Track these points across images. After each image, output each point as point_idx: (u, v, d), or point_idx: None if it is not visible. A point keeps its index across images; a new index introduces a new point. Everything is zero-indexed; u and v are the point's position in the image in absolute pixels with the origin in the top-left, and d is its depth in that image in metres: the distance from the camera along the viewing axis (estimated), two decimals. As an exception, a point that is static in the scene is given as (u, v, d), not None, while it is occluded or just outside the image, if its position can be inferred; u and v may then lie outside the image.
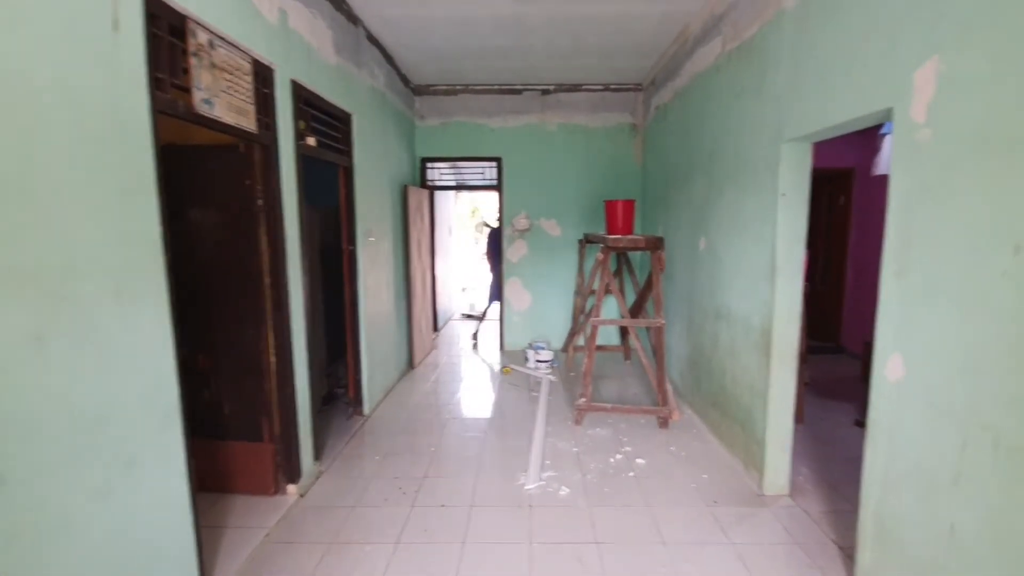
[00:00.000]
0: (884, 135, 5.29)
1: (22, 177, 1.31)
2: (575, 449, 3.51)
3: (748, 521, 2.66)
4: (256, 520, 2.65)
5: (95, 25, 1.54)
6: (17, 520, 1.30)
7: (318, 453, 3.21)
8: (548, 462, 3.32)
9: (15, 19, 1.30)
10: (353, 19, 3.85)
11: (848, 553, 2.36)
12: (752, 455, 3.00)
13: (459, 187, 6.52)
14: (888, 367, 1.88)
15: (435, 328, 6.92)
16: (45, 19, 1.38)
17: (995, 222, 1.45)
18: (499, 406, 4.41)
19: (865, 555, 2.03)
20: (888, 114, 1.91)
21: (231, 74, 2.30)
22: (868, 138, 5.51)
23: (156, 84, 1.81)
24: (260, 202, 2.67)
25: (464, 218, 11.87)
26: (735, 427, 3.24)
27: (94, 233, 1.54)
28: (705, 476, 3.13)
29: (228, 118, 2.26)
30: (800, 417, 3.74)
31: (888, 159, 3.57)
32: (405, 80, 5.51)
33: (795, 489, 2.93)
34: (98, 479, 1.55)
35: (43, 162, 1.37)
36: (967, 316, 1.54)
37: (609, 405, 3.99)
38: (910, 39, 1.77)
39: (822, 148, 4.86)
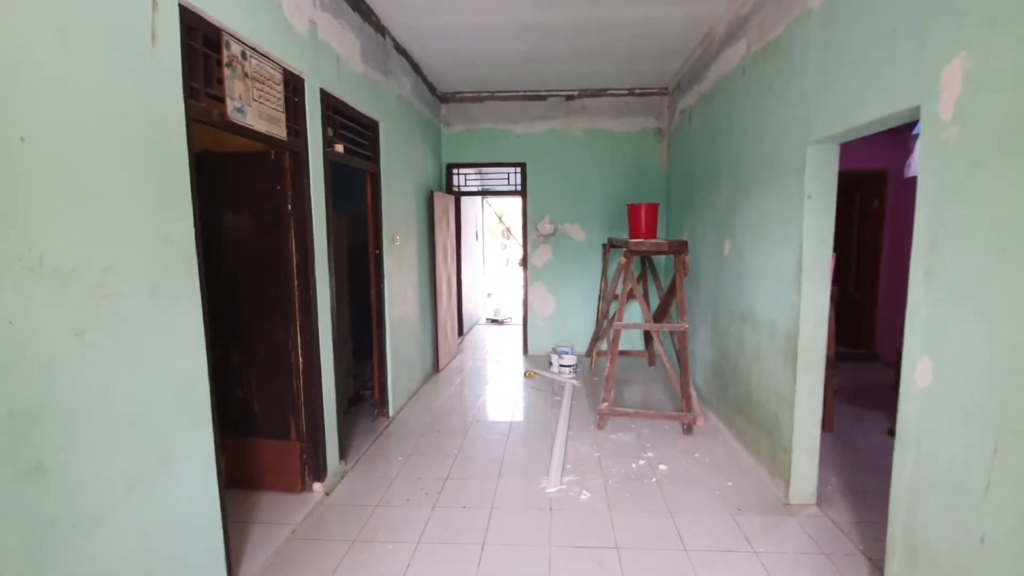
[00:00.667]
0: (916, 136, 5.12)
1: (67, 181, 1.40)
2: (597, 453, 3.49)
3: (773, 530, 2.60)
4: (283, 516, 2.72)
5: (135, 38, 1.63)
6: (56, 508, 1.38)
7: (343, 453, 3.28)
8: (569, 466, 3.31)
9: (63, 33, 1.39)
10: (381, 29, 3.95)
11: (877, 564, 2.29)
12: (778, 463, 2.93)
13: (484, 192, 6.59)
14: (917, 372, 1.83)
15: (460, 333, 6.98)
16: (89, 33, 1.47)
17: (1027, 222, 1.40)
18: (522, 410, 4.42)
19: (893, 566, 1.97)
20: (916, 112, 1.87)
21: (263, 83, 2.39)
22: (901, 140, 5.36)
23: (191, 93, 1.90)
24: (290, 207, 2.76)
25: (490, 224, 11.95)
26: (761, 434, 3.18)
27: (132, 235, 1.62)
28: (729, 483, 3.07)
29: (260, 126, 2.36)
30: (829, 425, 3.64)
31: (918, 160, 3.47)
32: (432, 88, 5.61)
33: (822, 498, 2.85)
34: (131, 472, 1.63)
35: (85, 167, 1.46)
36: (997, 319, 1.49)
37: (632, 410, 3.96)
38: (937, 36, 1.73)
39: (853, 150, 4.76)
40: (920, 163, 1.83)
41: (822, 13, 2.50)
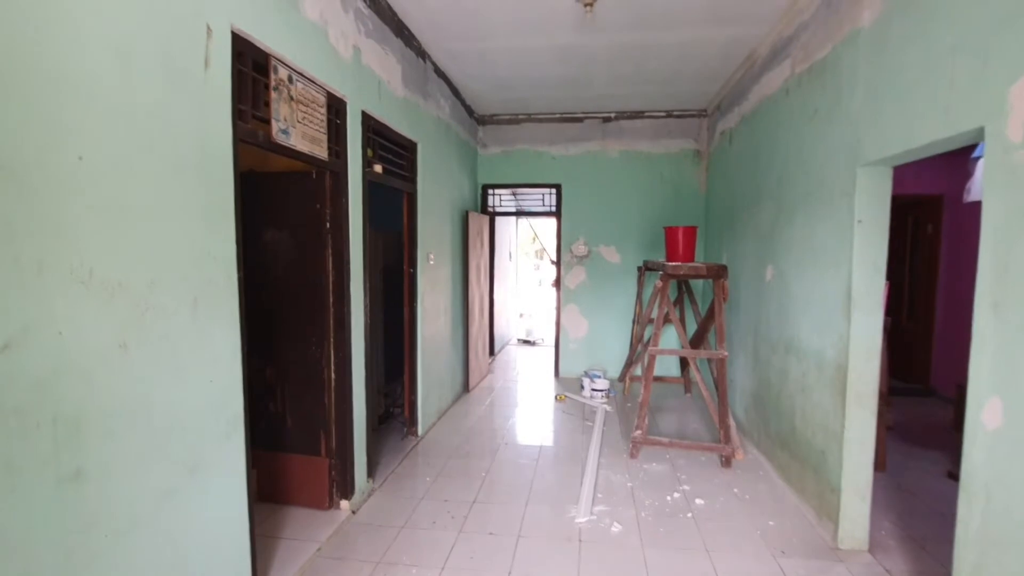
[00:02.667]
0: (976, 159, 4.87)
1: (119, 198, 1.45)
2: (629, 484, 3.36)
3: (820, 576, 2.43)
4: (309, 533, 2.71)
5: (189, 63, 1.70)
6: (92, 514, 1.40)
7: (371, 470, 3.26)
8: (600, 495, 3.20)
9: (122, 57, 1.45)
10: (421, 54, 4.04)
11: (939, 622, 2.09)
12: (826, 503, 2.75)
13: (519, 213, 6.60)
14: (985, 413, 1.68)
15: (491, 353, 6.95)
16: (147, 57, 1.54)
17: (1113, 252, 1.28)
18: (552, 434, 4.33)
19: (960, 626, 1.79)
20: (980, 134, 1.76)
21: (307, 106, 2.46)
22: (958, 163, 5.10)
23: (239, 115, 1.96)
24: (328, 225, 2.81)
25: (524, 244, 11.97)
26: (806, 471, 3.00)
27: (178, 250, 1.67)
28: (772, 523, 2.90)
29: (302, 147, 2.42)
30: (882, 464, 3.40)
31: (981, 184, 3.29)
32: (470, 111, 5.70)
33: (875, 544, 2.65)
34: (165, 481, 1.64)
35: (138, 185, 1.51)
36: (1080, 358, 1.36)
37: (667, 439, 3.81)
38: (1003, 53, 1.63)
39: (906, 173, 4.55)
40: (985, 187, 1.71)
41: (873, 32, 2.41)
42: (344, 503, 2.95)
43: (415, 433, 4.16)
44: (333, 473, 2.93)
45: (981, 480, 1.69)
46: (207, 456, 1.83)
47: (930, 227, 5.44)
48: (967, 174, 5.05)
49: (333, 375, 2.89)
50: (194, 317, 1.74)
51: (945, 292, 5.32)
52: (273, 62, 2.18)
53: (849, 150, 2.59)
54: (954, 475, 3.31)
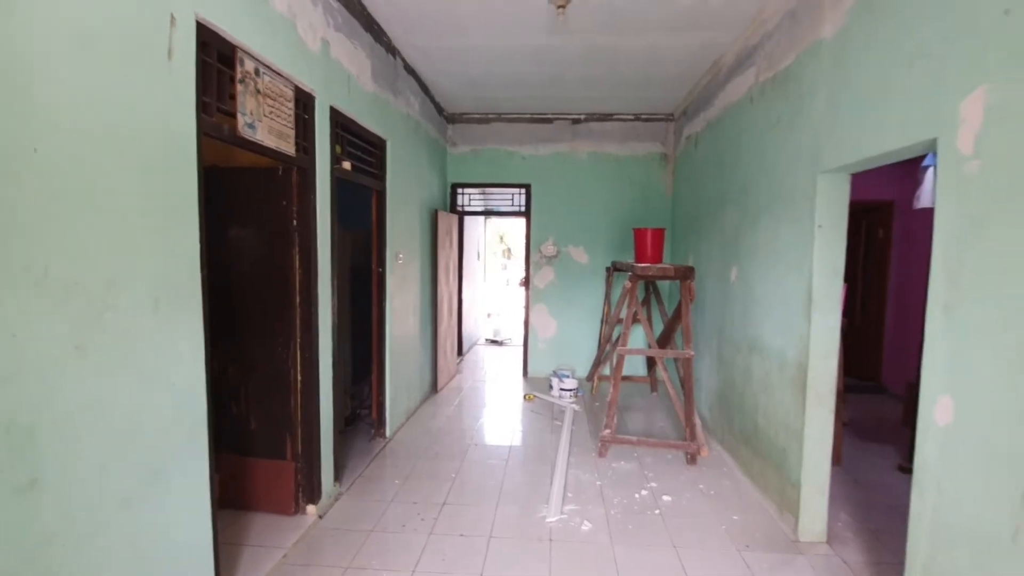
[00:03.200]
0: (926, 167, 5.14)
1: (76, 192, 1.37)
2: (598, 482, 3.40)
3: (782, 569, 2.51)
4: (275, 539, 2.63)
5: (152, 53, 1.62)
6: (51, 523, 1.32)
7: (338, 474, 3.20)
8: (570, 494, 3.22)
9: (81, 43, 1.38)
10: (392, 50, 3.98)
11: (892, 609, 2.20)
12: (787, 497, 2.85)
13: (488, 213, 6.59)
14: (937, 410, 1.77)
15: (460, 353, 6.91)
16: (107, 45, 1.46)
17: (1053, 259, 1.37)
18: (521, 434, 4.34)
19: (912, 613, 1.88)
20: (932, 145, 1.85)
21: (274, 100, 2.39)
22: (908, 170, 5.36)
23: (203, 108, 1.89)
24: (295, 223, 2.73)
25: (492, 244, 11.96)
26: (768, 467, 3.10)
27: (138, 247, 1.59)
28: (736, 517, 2.98)
29: (269, 142, 2.34)
30: (838, 459, 3.55)
31: (930, 192, 3.46)
32: (439, 108, 5.65)
33: (833, 536, 2.77)
34: (126, 488, 1.57)
35: (95, 179, 1.43)
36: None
37: (635, 438, 3.88)
38: (956, 68, 1.72)
39: (859, 180, 4.74)
40: (938, 196, 1.80)
41: (834, 44, 2.51)
42: (311, 508, 2.88)
43: (383, 435, 4.10)
44: (299, 477, 2.85)
45: (933, 475, 1.78)
46: (169, 461, 1.76)
47: (881, 232, 5.71)
48: (917, 182, 5.31)
49: (299, 376, 2.81)
50: (155, 317, 1.67)
51: (895, 294, 5.59)
52: (239, 54, 2.11)
53: (810, 157, 2.69)
54: (904, 468, 3.48)
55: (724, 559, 2.59)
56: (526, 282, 6.31)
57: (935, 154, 1.84)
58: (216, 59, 1.99)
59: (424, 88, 4.96)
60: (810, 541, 2.72)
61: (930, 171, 3.82)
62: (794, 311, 2.82)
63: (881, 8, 2.15)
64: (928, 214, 1.84)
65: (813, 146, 2.67)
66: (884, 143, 2.10)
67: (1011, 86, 1.51)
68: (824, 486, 2.69)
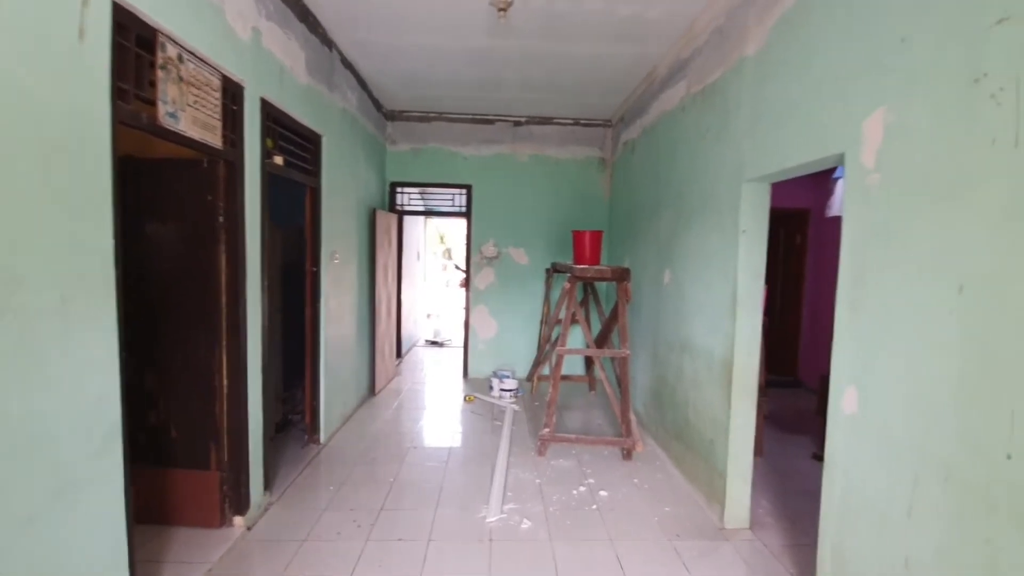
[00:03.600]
0: (837, 179, 5.59)
1: (-38, 181, 1.23)
2: (538, 480, 3.45)
3: (710, 556, 2.65)
4: (198, 555, 2.48)
5: (60, 32, 1.49)
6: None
7: (268, 483, 3.05)
8: (510, 494, 3.24)
9: (-32, 17, 1.24)
10: (327, 42, 3.86)
11: (806, 587, 2.37)
12: (714, 488, 3.01)
13: (428, 213, 6.52)
14: (844, 401, 1.94)
15: (399, 354, 6.79)
16: (7, 20, 1.32)
17: (940, 262, 1.53)
18: (462, 435, 4.32)
19: (823, 589, 2.04)
20: (840, 159, 2.02)
21: (199, 89, 2.25)
22: (822, 181, 5.81)
23: (119, 95, 1.75)
24: (221, 219, 2.59)
25: (432, 244, 11.83)
26: (698, 459, 3.26)
27: (43, 243, 1.45)
28: (668, 509, 3.12)
29: (193, 133, 2.21)
30: (760, 450, 3.79)
31: (841, 201, 3.76)
32: (378, 105, 5.53)
33: (755, 522, 2.95)
34: (27, 507, 1.43)
35: (-13, 166, 1.29)
36: (918, 351, 1.61)
37: (573, 436, 3.96)
38: (859, 90, 1.88)
39: (779, 190, 5.09)
40: (845, 205, 1.97)
41: (756, 61, 2.68)
42: (238, 519, 2.74)
43: (317, 440, 3.96)
44: (225, 488, 2.70)
45: (840, 459, 1.94)
46: (78, 475, 1.61)
47: (798, 238, 6.14)
48: (829, 192, 5.76)
49: (226, 381, 2.66)
50: (63, 319, 1.52)
51: (810, 295, 6.04)
52: (161, 38, 1.97)
53: (735, 167, 2.86)
54: (818, 456, 3.77)
55: (657, 549, 2.70)
56: (466, 283, 6.29)
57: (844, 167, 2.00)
58: (134, 43, 1.85)
59: (362, 83, 4.84)
60: (735, 528, 2.88)
61: (840, 182, 4.15)
62: (721, 312, 2.99)
63: (796, 30, 2.32)
64: (839, 221, 2.01)
65: (738, 156, 2.83)
66: (799, 156, 2.27)
67: (906, 107, 1.68)
68: (747, 475, 2.86)
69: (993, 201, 1.37)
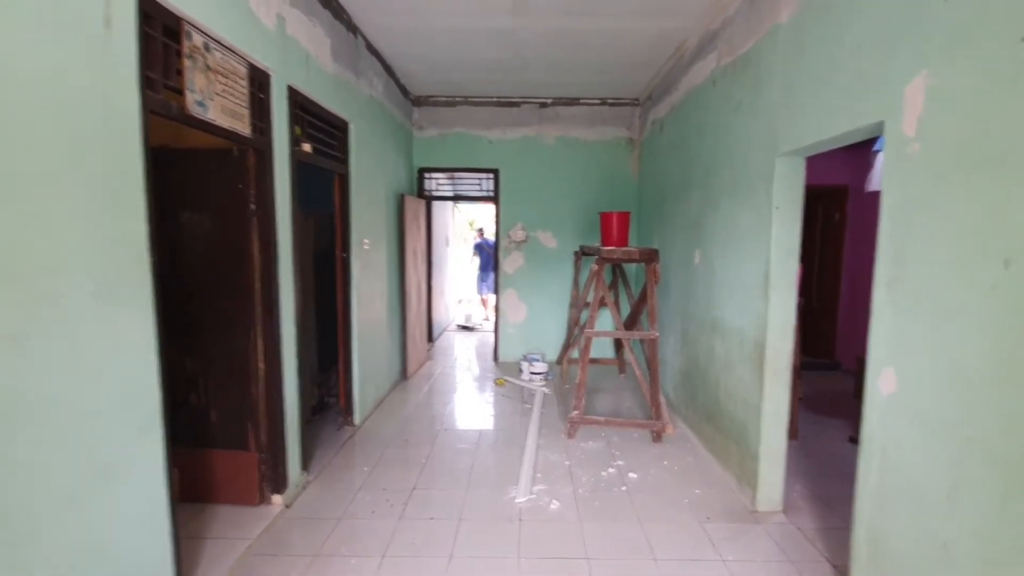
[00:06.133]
0: (877, 152, 5.33)
1: (5, 173, 1.29)
2: (567, 462, 3.46)
3: (741, 538, 2.62)
4: (239, 531, 2.59)
5: (86, 22, 1.53)
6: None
7: (306, 463, 3.16)
8: (539, 475, 3.27)
9: (4, 11, 1.29)
10: (352, 28, 3.87)
11: (842, 571, 2.32)
12: (746, 470, 2.96)
13: (456, 198, 6.53)
14: (881, 381, 1.86)
15: (430, 339, 6.88)
16: (34, 10, 1.37)
17: (984, 235, 1.44)
18: (492, 418, 4.36)
19: (858, 573, 1.99)
20: (880, 128, 1.92)
21: (226, 77, 2.29)
22: (862, 155, 5.56)
23: (148, 84, 1.80)
24: (253, 207, 2.65)
25: (462, 229, 11.88)
26: (729, 442, 3.21)
27: (78, 232, 1.52)
28: (698, 491, 3.08)
29: (222, 121, 2.26)
30: (794, 433, 3.70)
31: (880, 174, 3.59)
32: (404, 91, 5.54)
33: (789, 506, 2.89)
34: (70, 486, 1.51)
35: (26, 158, 1.35)
36: (958, 329, 1.53)
37: (602, 418, 3.95)
38: (900, 54, 1.78)
39: (816, 165, 4.91)
40: (883, 177, 1.87)
41: (789, 29, 2.56)
42: (276, 498, 2.84)
43: (351, 423, 4.06)
44: (263, 467, 2.80)
45: (877, 441, 1.88)
46: (121, 456, 1.70)
47: (837, 215, 5.91)
48: (869, 166, 5.51)
49: (262, 365, 2.75)
50: (100, 305, 1.59)
51: (849, 275, 5.82)
52: (186, 27, 2.01)
53: (768, 141, 2.75)
54: (855, 440, 3.66)
55: (686, 531, 2.68)
56: (495, 267, 6.30)
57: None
58: (161, 32, 1.89)
59: (388, 69, 4.85)
60: (767, 511, 2.84)
61: (880, 155, 3.96)
62: (753, 292, 2.90)
63: (834, -7, 2.20)
64: (878, 197, 1.91)
65: (771, 130, 2.73)
66: (836, 126, 2.17)
67: (950, 70, 1.57)
68: (780, 458, 2.80)
69: (1046, 166, 1.28)
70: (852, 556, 2.02)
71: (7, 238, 1.31)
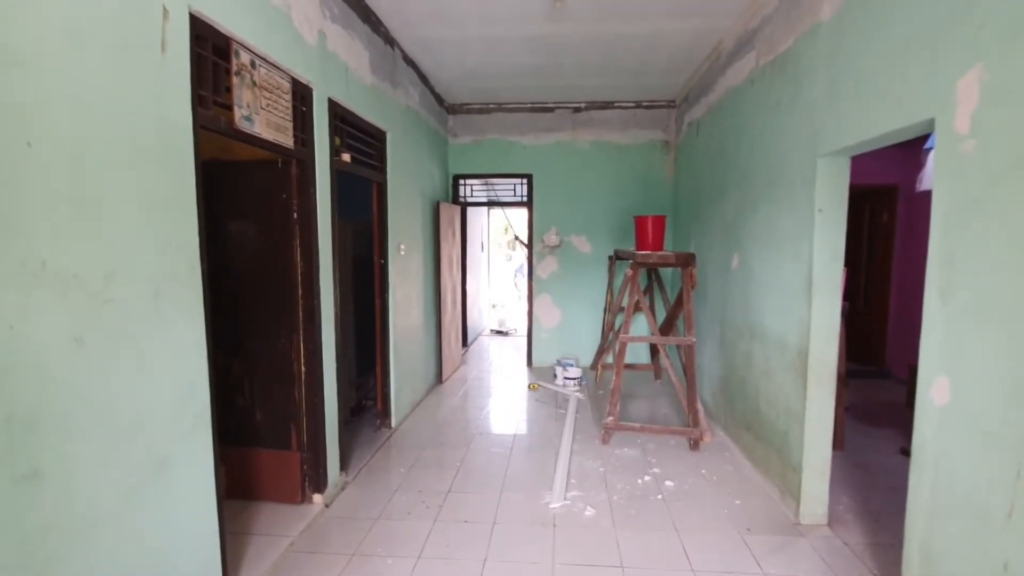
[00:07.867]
0: (928, 150, 5.09)
1: (72, 186, 1.39)
2: (601, 468, 3.43)
3: (784, 551, 2.53)
4: (281, 528, 2.68)
5: (145, 45, 1.64)
6: (51, 515, 1.35)
7: (344, 464, 3.24)
8: (574, 481, 3.25)
9: (72, 35, 1.39)
10: (390, 41, 3.97)
11: (892, 589, 2.22)
12: (788, 481, 2.86)
13: (490, 203, 6.60)
14: (934, 391, 1.78)
15: (465, 343, 6.95)
16: (99, 37, 1.47)
17: (1048, 237, 1.36)
18: (526, 423, 4.37)
19: (910, 592, 1.90)
20: (930, 125, 1.84)
21: (271, 92, 2.39)
22: (912, 154, 5.32)
23: (200, 101, 1.90)
24: (295, 215, 2.75)
25: (497, 235, 11.94)
26: (770, 451, 3.11)
27: (136, 240, 1.61)
28: (738, 502, 3.00)
29: (267, 134, 2.36)
30: (840, 443, 3.56)
31: (932, 174, 3.43)
32: (439, 99, 5.64)
33: (834, 519, 2.78)
34: (128, 480, 1.60)
35: (91, 172, 1.45)
36: (1016, 337, 1.45)
37: (638, 424, 3.90)
38: (952, 47, 1.70)
39: (863, 164, 4.73)
40: (935, 176, 1.79)
41: (832, 26, 2.48)
42: (317, 497, 2.93)
43: (388, 425, 4.14)
44: (305, 467, 2.89)
45: (930, 453, 1.79)
46: (173, 452, 1.79)
47: (885, 216, 5.66)
48: (920, 164, 5.26)
49: (303, 368, 2.84)
50: (156, 310, 1.69)
51: (899, 278, 5.56)
52: (234, 46, 2.11)
53: (809, 141, 2.67)
54: (906, 451, 3.49)
55: (726, 542, 2.61)
56: (529, 272, 6.32)
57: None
58: (211, 52, 2.00)
59: (423, 79, 4.95)
60: (811, 524, 2.73)
61: (932, 153, 3.78)
62: (795, 296, 2.82)
63: (879, -13, 2.13)
64: (930, 197, 1.83)
65: (812, 129, 2.65)
66: (882, 124, 2.09)
67: (1007, 63, 1.50)
68: (825, 469, 2.70)
69: (1114, 163, 1.20)
70: (903, 573, 1.93)
71: (76, 248, 1.40)
